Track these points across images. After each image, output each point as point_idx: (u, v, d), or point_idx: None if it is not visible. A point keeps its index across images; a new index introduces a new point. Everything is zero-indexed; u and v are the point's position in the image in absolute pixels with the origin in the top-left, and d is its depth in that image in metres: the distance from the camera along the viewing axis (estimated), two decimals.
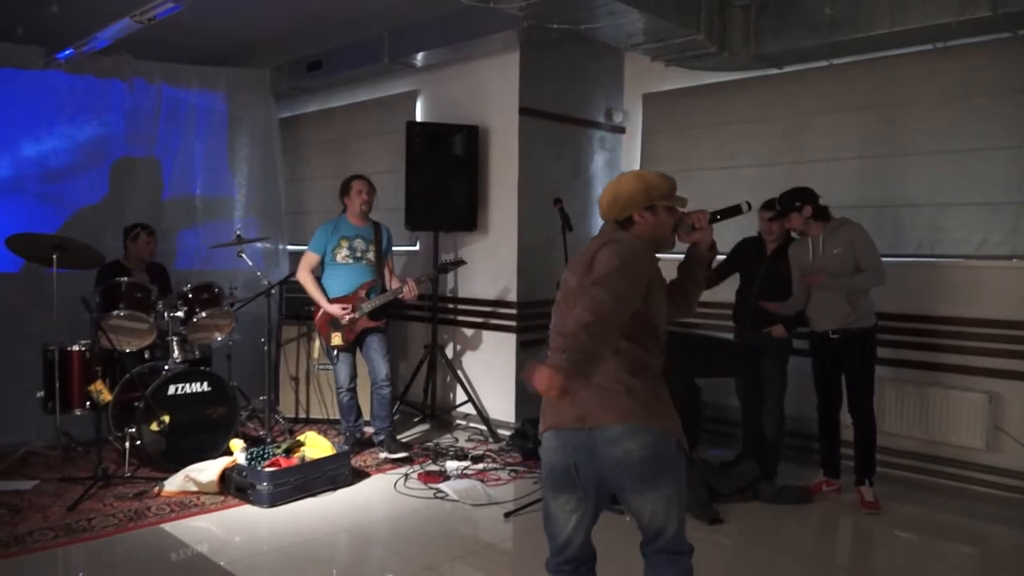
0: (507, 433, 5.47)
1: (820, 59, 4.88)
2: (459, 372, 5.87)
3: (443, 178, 5.58)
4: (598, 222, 2.37)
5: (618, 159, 6.19)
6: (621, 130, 6.20)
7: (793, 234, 4.41)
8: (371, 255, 4.88)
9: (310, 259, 4.92)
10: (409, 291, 4.78)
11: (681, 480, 2.22)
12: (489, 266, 5.73)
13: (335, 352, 4.90)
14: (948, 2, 4.07)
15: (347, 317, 4.77)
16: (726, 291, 4.72)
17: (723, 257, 4.64)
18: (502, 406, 5.68)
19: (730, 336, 4.84)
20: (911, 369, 4.69)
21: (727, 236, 4.92)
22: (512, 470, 4.75)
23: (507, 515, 4.01)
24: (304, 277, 4.90)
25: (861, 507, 4.15)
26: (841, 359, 4.19)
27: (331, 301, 4.82)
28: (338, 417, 5.56)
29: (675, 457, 2.21)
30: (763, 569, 3.52)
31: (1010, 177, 4.38)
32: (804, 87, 5.12)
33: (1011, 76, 4.35)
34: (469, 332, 5.95)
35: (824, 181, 4.93)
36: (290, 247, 6.82)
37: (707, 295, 4.89)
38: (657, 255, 2.30)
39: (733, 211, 2.43)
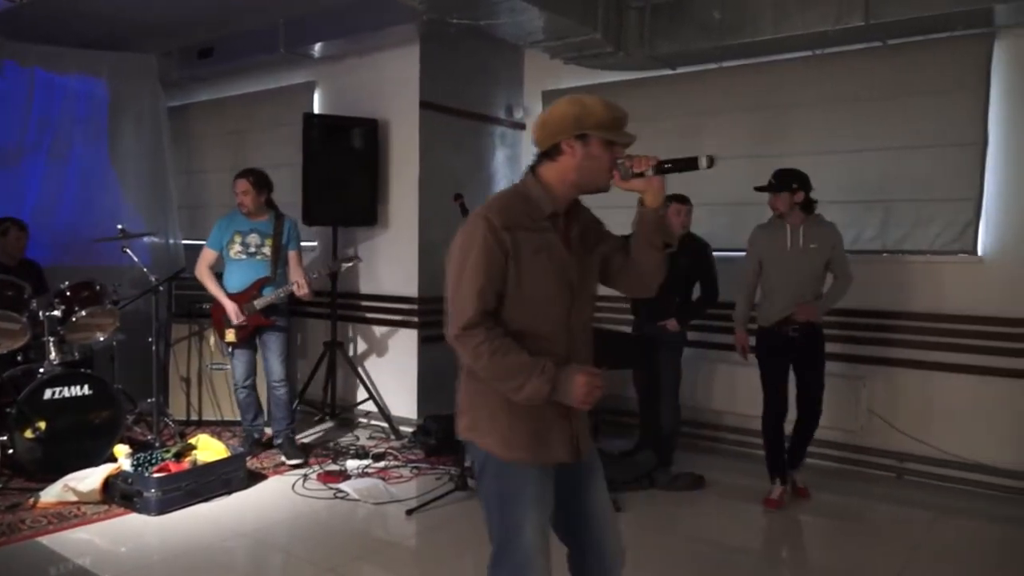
0: (409, 430, 5.42)
1: (710, 61, 5.09)
2: (360, 369, 5.79)
3: (342, 172, 5.48)
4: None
5: (519, 155, 6.24)
6: (522, 126, 6.24)
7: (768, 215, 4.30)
8: (267, 250, 4.71)
9: (206, 255, 4.76)
10: (299, 288, 4.61)
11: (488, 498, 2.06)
12: (390, 262, 5.67)
13: (230, 349, 4.76)
14: (826, 11, 4.31)
15: (236, 315, 4.61)
16: None
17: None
18: (404, 403, 5.64)
19: (627, 329, 4.96)
20: None
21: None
22: (414, 467, 4.72)
23: (409, 512, 3.97)
24: (200, 273, 4.74)
25: (793, 493, 4.28)
26: (791, 354, 4.16)
27: (227, 297, 4.67)
28: (233, 418, 5.41)
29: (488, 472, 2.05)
30: (661, 555, 3.64)
31: (881, 177, 4.68)
32: (696, 88, 5.31)
33: (880, 83, 4.65)
34: (370, 329, 5.87)
35: (716, 179, 5.12)
36: (186, 242, 6.54)
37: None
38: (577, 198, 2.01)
39: (688, 164, 1.99)
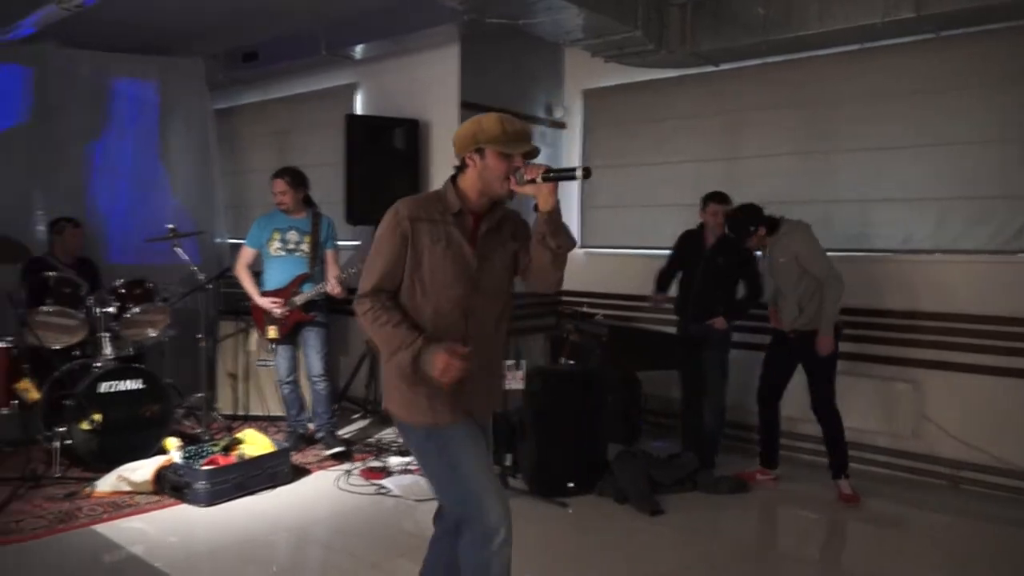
0: None
1: (754, 58, 5.01)
2: None
3: (384, 172, 5.54)
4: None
5: (559, 154, 6.23)
6: (562, 125, 6.23)
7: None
8: (305, 247, 4.78)
9: (245, 253, 4.86)
10: (332, 288, 4.64)
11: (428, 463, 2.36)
12: None
13: (273, 345, 4.84)
14: (874, 4, 4.21)
15: (277, 311, 4.70)
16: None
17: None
18: None
19: (672, 330, 4.91)
20: (840, 360, 4.82)
21: (667, 231, 5.02)
22: None
23: None
24: (239, 271, 4.84)
25: (839, 499, 4.21)
26: (799, 356, 4.29)
27: (265, 294, 4.75)
28: (278, 414, 5.50)
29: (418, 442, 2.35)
30: (703, 558, 3.60)
31: (933, 174, 4.54)
32: (739, 85, 5.24)
33: (932, 76, 4.51)
34: None
35: (758, 177, 5.08)
36: (232, 240, 6.68)
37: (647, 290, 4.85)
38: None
39: (566, 174, 2.23)
